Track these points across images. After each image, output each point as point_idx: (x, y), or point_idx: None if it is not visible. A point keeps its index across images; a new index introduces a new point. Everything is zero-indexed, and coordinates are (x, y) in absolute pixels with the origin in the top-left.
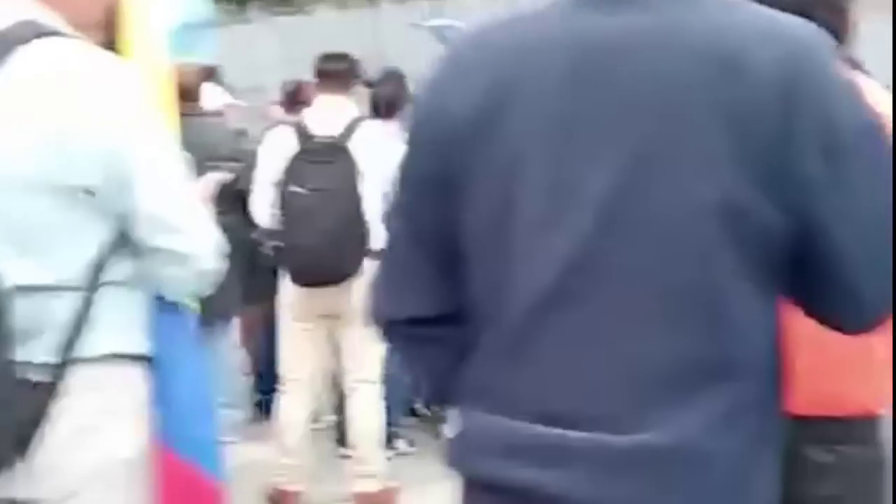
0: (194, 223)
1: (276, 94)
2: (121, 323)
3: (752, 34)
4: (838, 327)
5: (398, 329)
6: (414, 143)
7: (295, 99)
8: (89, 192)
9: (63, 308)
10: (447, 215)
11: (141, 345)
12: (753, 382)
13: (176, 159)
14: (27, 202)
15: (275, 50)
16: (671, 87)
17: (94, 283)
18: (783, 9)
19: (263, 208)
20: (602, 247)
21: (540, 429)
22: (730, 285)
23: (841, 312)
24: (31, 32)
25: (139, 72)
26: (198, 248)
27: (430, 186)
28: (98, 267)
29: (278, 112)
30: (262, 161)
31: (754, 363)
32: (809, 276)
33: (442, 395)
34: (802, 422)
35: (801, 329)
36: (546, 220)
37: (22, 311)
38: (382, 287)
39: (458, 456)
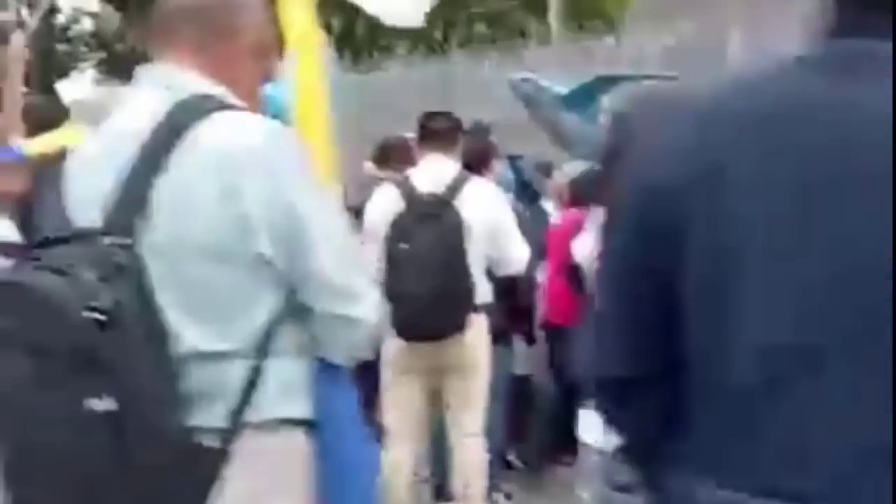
0: (365, 287)
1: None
2: (288, 388)
3: None
4: None
5: (609, 389)
6: (633, 195)
7: (388, 155)
8: (266, 259)
9: (234, 374)
10: (664, 269)
11: (306, 409)
12: None
13: (343, 222)
14: (204, 269)
15: (349, 104)
16: None
17: (263, 349)
18: None
19: (369, 264)
20: (839, 307)
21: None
22: None
23: None
24: (207, 106)
25: (303, 138)
26: (369, 312)
27: (647, 238)
28: (269, 333)
29: (370, 168)
30: (369, 217)
31: None
32: None
33: (645, 460)
34: None
35: None
36: (778, 277)
37: (196, 376)
38: (594, 344)
39: None
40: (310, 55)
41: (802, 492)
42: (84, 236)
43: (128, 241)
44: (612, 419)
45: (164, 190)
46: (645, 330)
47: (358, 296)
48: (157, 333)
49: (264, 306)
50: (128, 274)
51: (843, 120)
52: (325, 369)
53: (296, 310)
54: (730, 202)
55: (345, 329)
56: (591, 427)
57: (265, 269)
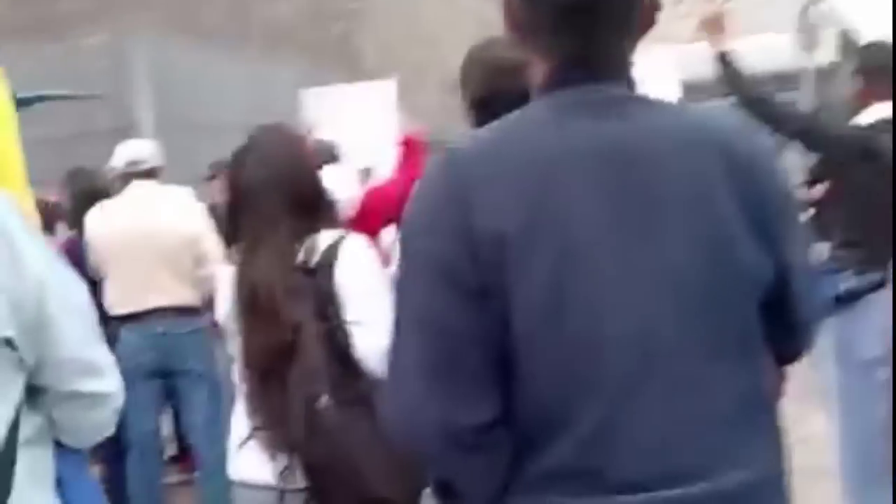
0: (106, 358)
1: None
2: (35, 483)
3: (728, 129)
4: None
5: (466, 437)
6: (441, 254)
7: None
8: (9, 342)
9: None
10: (491, 321)
11: (52, 501)
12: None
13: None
14: None
15: None
16: (696, 179)
17: (12, 441)
18: None
19: None
20: (672, 320)
21: (638, 496)
22: (758, 333)
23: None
24: None
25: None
26: (113, 386)
27: (469, 294)
28: (15, 425)
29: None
30: None
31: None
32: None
33: (496, 497)
34: None
35: None
36: (617, 300)
37: None
38: (439, 390)
39: None
40: None
41: (661, 478)
42: None
43: None
44: (467, 467)
45: None
46: (490, 373)
47: (101, 369)
48: None
49: (12, 395)
50: None
51: (630, 150)
52: (64, 454)
53: (35, 391)
54: (550, 242)
55: (89, 407)
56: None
57: (11, 353)
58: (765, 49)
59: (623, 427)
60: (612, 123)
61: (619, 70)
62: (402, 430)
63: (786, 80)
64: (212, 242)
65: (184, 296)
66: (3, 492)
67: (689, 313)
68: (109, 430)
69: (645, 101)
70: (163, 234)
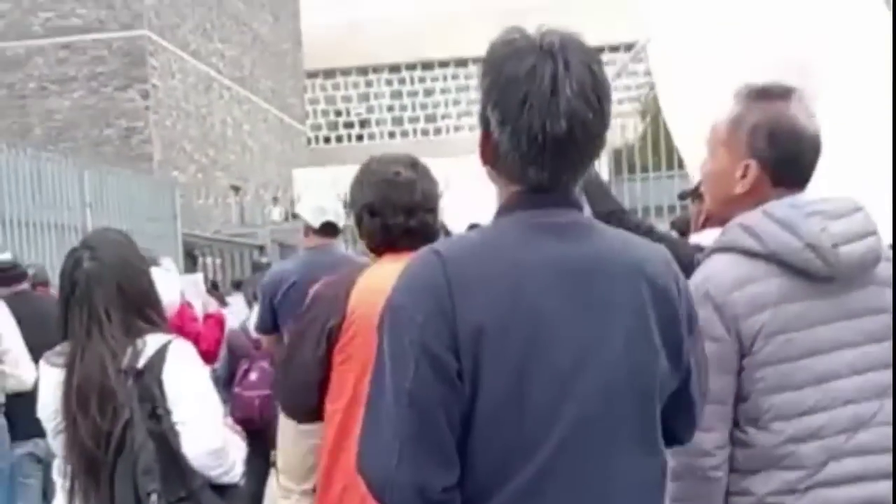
0: None
1: None
2: None
3: (652, 258)
4: None
5: (435, 496)
6: (425, 338)
7: None
8: None
9: None
10: (461, 398)
11: None
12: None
13: None
14: None
15: None
16: (633, 298)
17: None
18: None
19: None
20: (601, 412)
21: None
22: (659, 428)
23: None
24: None
25: None
26: None
27: (446, 376)
28: None
29: None
30: None
31: None
32: None
33: None
34: None
35: None
36: (565, 392)
37: None
38: (415, 455)
39: None
40: None
41: None
42: None
43: None
44: None
45: None
46: (452, 442)
47: None
48: None
49: None
50: None
51: (578, 269)
52: None
53: None
54: (514, 338)
55: None
56: None
57: None
58: None
59: (549, 490)
60: (570, 244)
61: (572, 197)
62: (379, 486)
63: None
64: (11, 340)
65: None
66: None
67: (614, 408)
68: None
69: (593, 227)
70: None
